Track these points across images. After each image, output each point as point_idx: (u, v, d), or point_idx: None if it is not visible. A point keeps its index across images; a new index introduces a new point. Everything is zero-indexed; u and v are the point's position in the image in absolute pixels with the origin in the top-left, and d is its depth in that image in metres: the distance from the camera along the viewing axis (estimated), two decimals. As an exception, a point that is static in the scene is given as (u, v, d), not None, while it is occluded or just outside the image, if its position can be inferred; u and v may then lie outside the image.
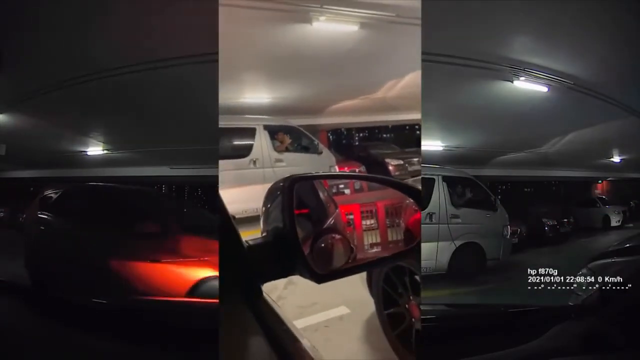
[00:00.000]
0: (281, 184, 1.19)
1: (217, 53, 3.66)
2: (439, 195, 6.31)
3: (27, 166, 11.00)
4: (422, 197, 1.65)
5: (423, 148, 7.44)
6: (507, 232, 6.72)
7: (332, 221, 1.62)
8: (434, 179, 6.38)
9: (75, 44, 4.85)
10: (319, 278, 1.12)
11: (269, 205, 1.22)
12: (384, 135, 10.19)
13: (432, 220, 6.16)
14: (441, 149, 7.99)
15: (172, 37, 4.70)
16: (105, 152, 9.02)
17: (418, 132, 10.79)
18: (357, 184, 5.31)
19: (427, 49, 4.32)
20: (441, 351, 1.61)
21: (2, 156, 7.38)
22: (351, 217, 1.77)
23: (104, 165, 9.87)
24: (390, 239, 1.82)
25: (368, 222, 1.77)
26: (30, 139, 7.87)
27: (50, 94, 5.91)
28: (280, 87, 6.96)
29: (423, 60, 4.38)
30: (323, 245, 1.20)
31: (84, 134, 8.30)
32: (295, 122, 7.32)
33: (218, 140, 5.71)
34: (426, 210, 6.11)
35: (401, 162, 8.25)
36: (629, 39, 4.62)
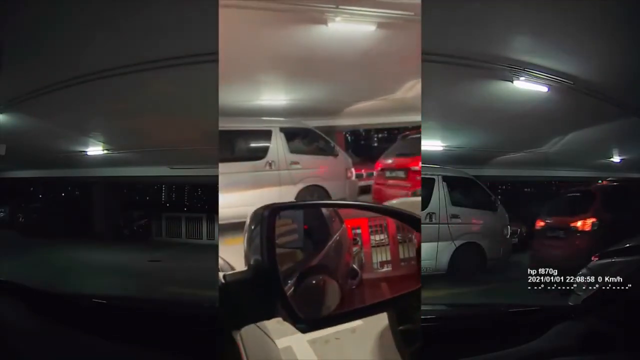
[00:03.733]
0: (261, 211, 1.05)
1: (217, 53, 3.65)
2: (439, 195, 6.31)
3: (27, 166, 11.01)
4: (420, 226, 1.46)
5: (423, 148, 7.44)
6: (508, 232, 6.72)
7: (338, 237, 1.52)
8: (434, 179, 6.38)
9: (75, 44, 4.85)
10: (305, 325, 0.99)
11: (252, 227, 1.08)
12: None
13: (432, 220, 6.16)
14: (441, 149, 7.99)
15: (172, 37, 4.70)
16: (105, 152, 9.02)
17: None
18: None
19: (427, 49, 4.32)
20: (441, 351, 1.60)
21: (2, 156, 7.38)
22: (358, 231, 1.61)
23: (104, 165, 9.88)
24: (402, 256, 1.65)
25: (378, 237, 1.60)
26: (30, 139, 7.87)
27: (50, 94, 5.92)
28: (297, 88, 6.96)
29: (423, 61, 4.38)
30: (310, 285, 1.05)
31: (84, 134, 8.30)
32: (312, 123, 7.32)
33: (219, 142, 5.72)
34: (426, 210, 6.12)
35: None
36: (629, 39, 4.62)
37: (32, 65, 5.29)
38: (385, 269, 1.62)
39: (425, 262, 5.85)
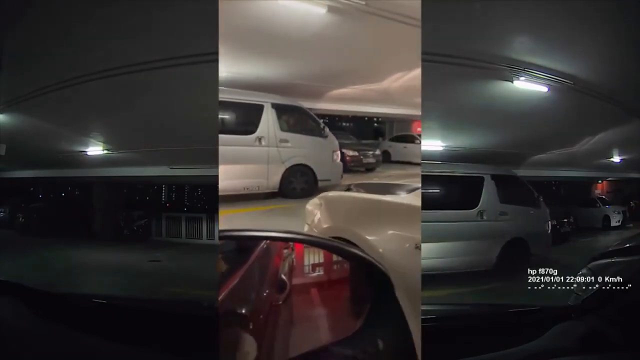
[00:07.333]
0: None
1: (217, 53, 3.65)
2: (489, 193, 6.41)
3: (27, 166, 11.00)
4: (393, 286, 1.22)
5: (423, 148, 7.44)
6: (549, 227, 6.82)
7: (265, 246, 1.40)
8: (482, 178, 6.47)
9: (75, 44, 4.84)
10: None
11: None
12: (344, 124, 10.15)
13: (482, 218, 6.27)
14: (441, 148, 7.99)
15: (171, 36, 4.70)
16: (105, 152, 9.00)
17: (376, 124, 10.80)
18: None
19: (426, 49, 4.31)
20: (442, 351, 1.60)
21: (2, 156, 7.37)
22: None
23: (104, 165, 9.86)
24: (335, 258, 1.46)
25: (311, 236, 1.50)
26: (30, 139, 7.86)
27: (50, 94, 5.91)
28: (278, 64, 6.90)
29: (423, 60, 4.38)
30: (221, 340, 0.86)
31: (84, 134, 8.29)
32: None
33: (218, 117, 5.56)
34: (477, 208, 6.29)
35: (357, 153, 8.34)
36: (629, 39, 4.62)
37: (32, 65, 5.28)
38: (317, 273, 1.50)
39: (474, 259, 6.03)
